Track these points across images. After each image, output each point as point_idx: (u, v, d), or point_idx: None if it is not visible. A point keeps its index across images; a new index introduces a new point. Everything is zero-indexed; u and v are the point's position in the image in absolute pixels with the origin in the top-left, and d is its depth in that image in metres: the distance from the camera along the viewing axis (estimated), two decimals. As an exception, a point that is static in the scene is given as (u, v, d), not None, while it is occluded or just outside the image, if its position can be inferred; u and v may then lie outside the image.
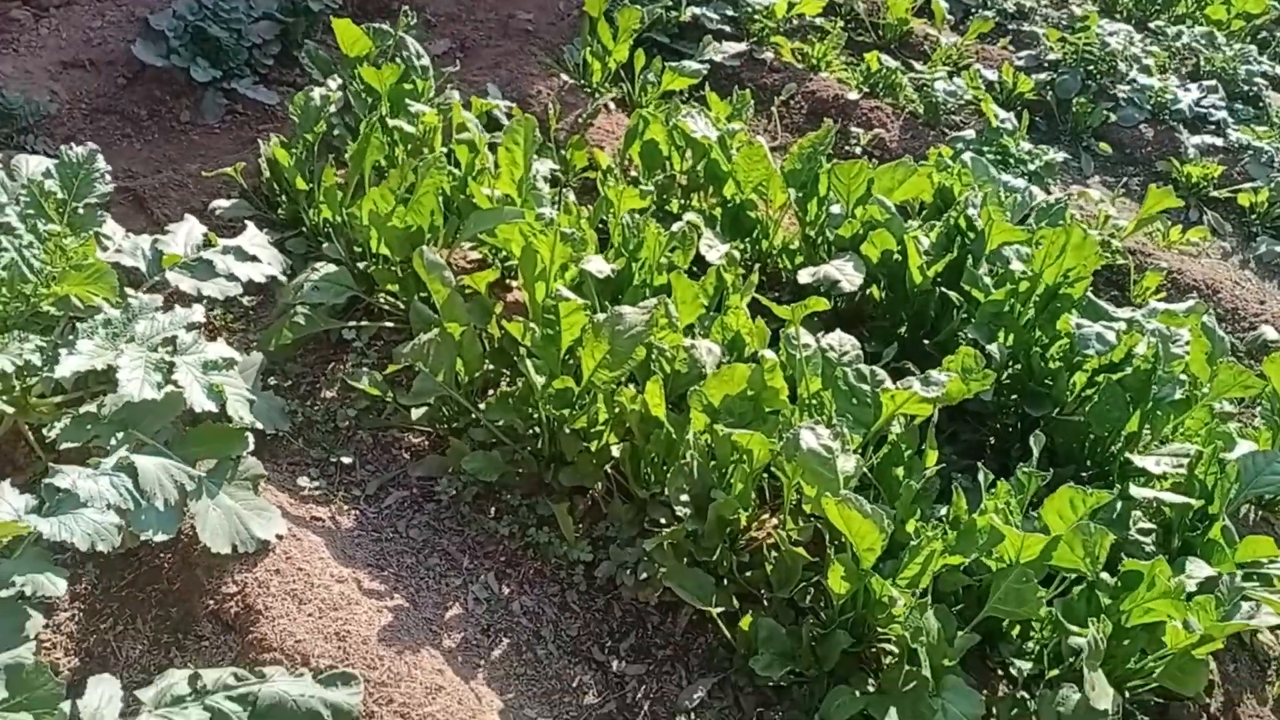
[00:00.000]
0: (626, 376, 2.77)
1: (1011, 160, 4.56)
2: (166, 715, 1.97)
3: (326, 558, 2.61)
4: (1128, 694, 2.56)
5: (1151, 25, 6.28)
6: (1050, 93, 5.42)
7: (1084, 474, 3.06)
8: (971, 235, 3.34)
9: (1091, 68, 5.50)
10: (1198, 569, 2.61)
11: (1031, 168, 4.49)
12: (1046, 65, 5.62)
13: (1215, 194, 4.96)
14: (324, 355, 3.28)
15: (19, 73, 3.88)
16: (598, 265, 2.96)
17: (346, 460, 2.99)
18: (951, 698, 2.24)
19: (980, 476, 2.60)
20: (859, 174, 3.46)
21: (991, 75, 5.39)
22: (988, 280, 3.15)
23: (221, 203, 3.49)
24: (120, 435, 2.40)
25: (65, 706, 2.03)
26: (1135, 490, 2.74)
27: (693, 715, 2.55)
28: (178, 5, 4.24)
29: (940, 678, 2.29)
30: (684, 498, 2.51)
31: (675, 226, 3.19)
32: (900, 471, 2.68)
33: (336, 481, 2.95)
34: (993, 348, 2.97)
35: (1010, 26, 6.21)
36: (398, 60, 3.50)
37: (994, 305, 3.05)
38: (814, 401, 2.86)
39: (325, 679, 2.26)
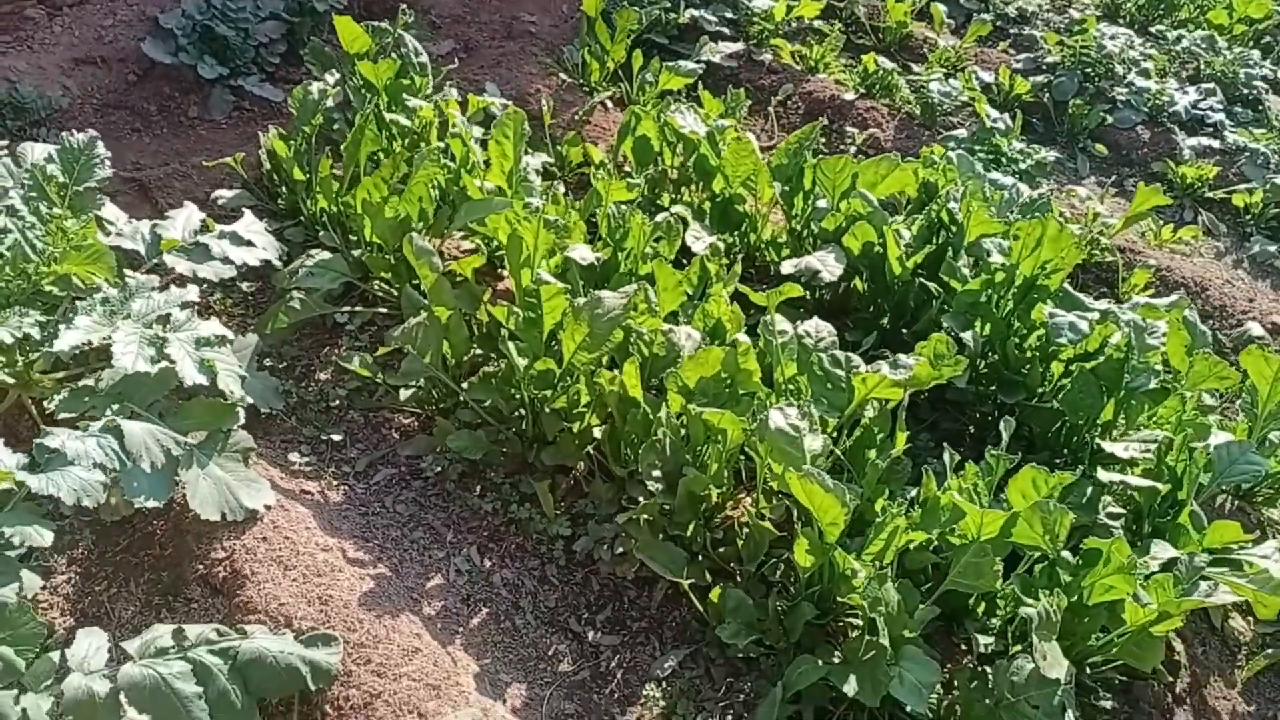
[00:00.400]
0: (606, 359, 2.86)
1: (1004, 159, 4.62)
2: (150, 665, 2.06)
3: (313, 528, 2.71)
4: (1089, 670, 2.62)
5: (1152, 30, 6.32)
6: (1047, 95, 5.48)
7: (1059, 460, 3.12)
8: (954, 228, 3.41)
9: (1089, 70, 5.55)
10: (1162, 550, 2.66)
11: (1023, 166, 4.55)
12: (1045, 68, 5.68)
13: (1210, 195, 4.99)
14: (320, 339, 3.39)
15: (32, 68, 4.02)
16: (581, 253, 3.05)
17: (337, 438, 3.09)
18: (909, 666, 2.30)
19: (946, 457, 2.66)
20: (844, 168, 3.54)
21: (988, 77, 5.46)
22: (966, 271, 3.21)
23: (223, 193, 3.61)
24: (116, 407, 2.51)
25: (55, 656, 2.14)
26: (1102, 474, 2.79)
27: (664, 684, 2.63)
28: (187, 5, 4.38)
29: (899, 648, 2.35)
30: (656, 474, 2.59)
31: (660, 217, 3.28)
32: (872, 454, 2.75)
33: (327, 458, 3.05)
34: (967, 336, 3.04)
35: (1012, 31, 6.28)
36: (393, 56, 3.60)
37: (970, 295, 3.12)
38: (790, 386, 2.94)
39: (307, 639, 2.35)
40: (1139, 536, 2.88)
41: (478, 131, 3.70)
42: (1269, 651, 2.98)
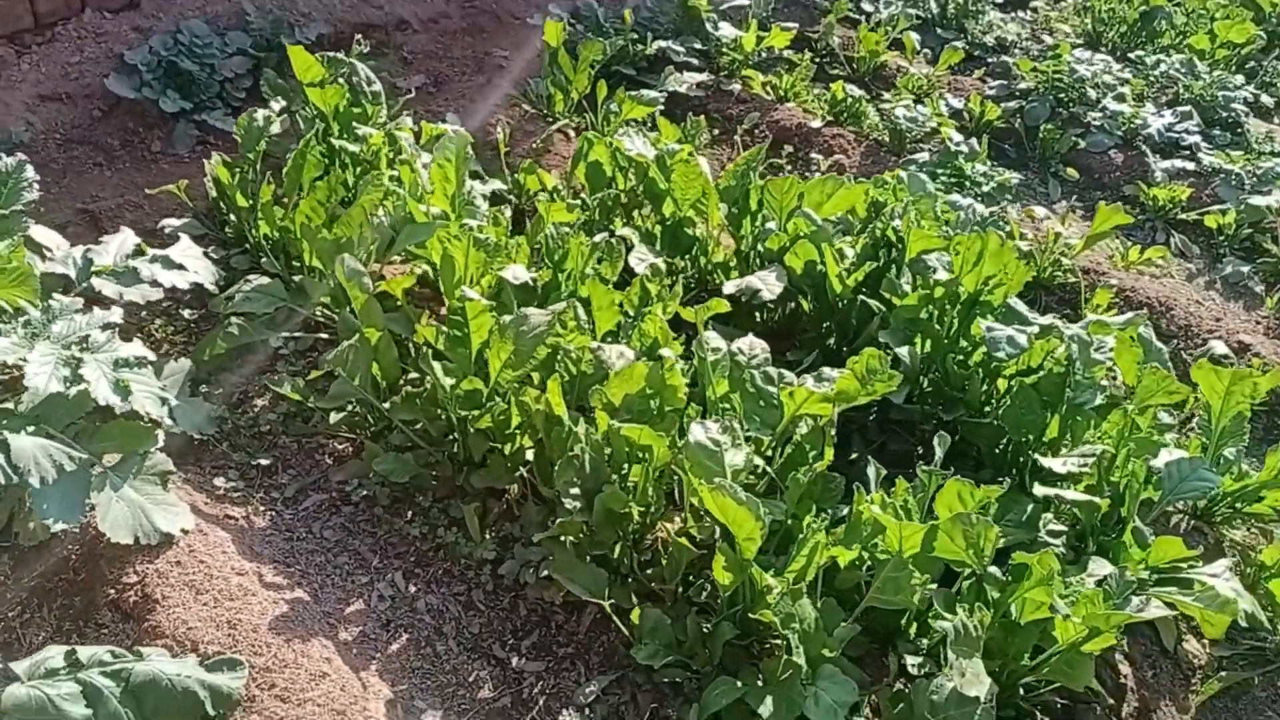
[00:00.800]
0: (538, 378, 2.82)
1: (967, 182, 4.59)
2: (37, 687, 2.02)
3: (230, 553, 2.67)
4: (1023, 690, 2.52)
5: (1131, 56, 6.30)
6: (1019, 120, 5.46)
7: (1002, 479, 3.04)
8: (899, 245, 3.37)
9: (1062, 95, 5.53)
10: (1099, 567, 2.59)
11: (986, 189, 4.51)
12: (1018, 94, 5.66)
13: (1183, 216, 4.93)
14: (260, 365, 3.37)
15: (-4, 104, 4.09)
16: (514, 272, 3.03)
17: (267, 463, 3.06)
18: (826, 686, 2.22)
19: (870, 471, 2.60)
20: (790, 189, 3.52)
21: (958, 103, 5.44)
22: (907, 287, 3.17)
23: (171, 221, 3.63)
24: (31, 429, 2.49)
25: (-59, 679, 2.10)
26: (1038, 489, 2.72)
27: (586, 710, 2.55)
28: (153, 41, 4.45)
29: (817, 667, 2.27)
30: (575, 491, 2.54)
31: (599, 237, 3.26)
32: (803, 472, 2.69)
33: (256, 484, 3.02)
34: (903, 351, 2.98)
35: (990, 60, 6.27)
36: (341, 83, 3.62)
37: (908, 311, 3.07)
38: (724, 405, 2.89)
39: (210, 664, 2.30)
40: (1081, 555, 2.79)
41: (429, 159, 3.70)
42: (1223, 675, 2.88)
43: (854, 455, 3.20)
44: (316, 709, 2.30)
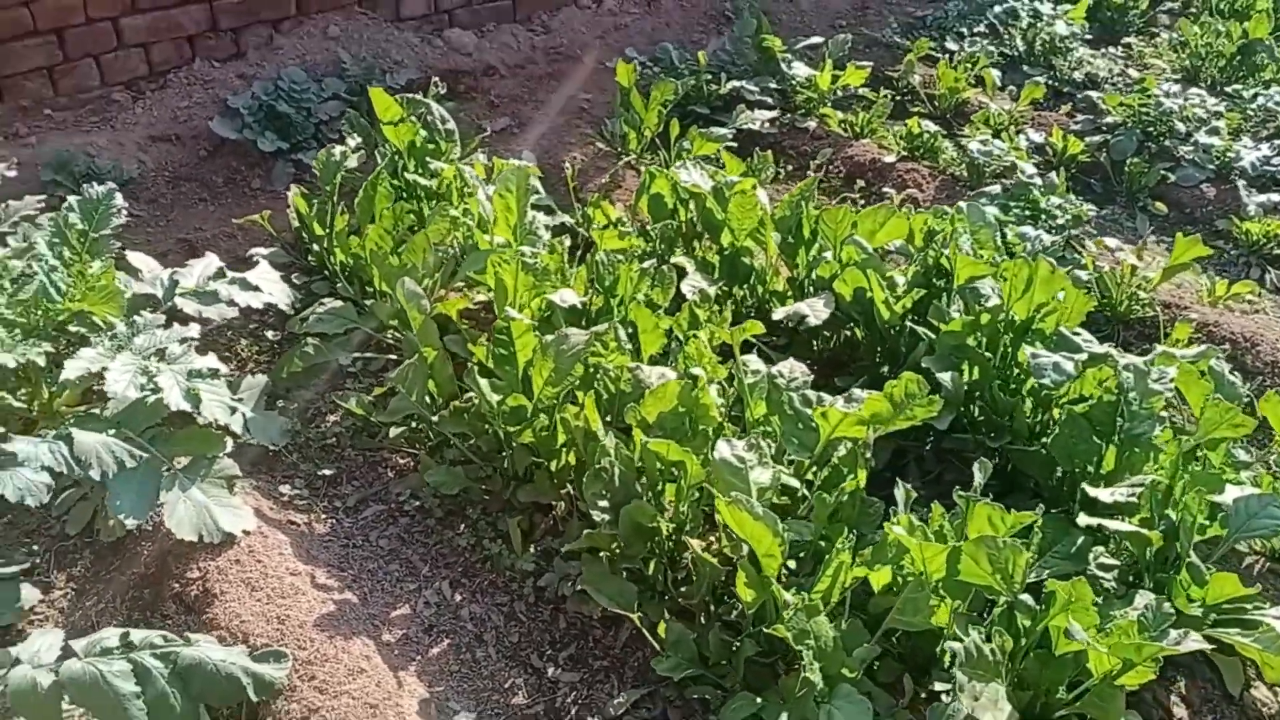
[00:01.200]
0: (578, 396, 2.92)
1: (1042, 215, 4.52)
2: (92, 663, 2.19)
3: (287, 554, 2.82)
4: (1058, 725, 2.45)
5: (1228, 90, 6.10)
6: (1105, 154, 5.34)
7: (1055, 511, 2.97)
8: (951, 274, 3.36)
9: (1150, 128, 5.40)
10: (1143, 600, 2.50)
11: (1059, 221, 4.43)
12: (1104, 128, 5.55)
13: (1278, 252, 4.73)
14: (332, 383, 3.57)
15: (112, 145, 4.46)
16: (563, 296, 3.15)
17: (332, 474, 3.23)
18: (840, 705, 2.21)
19: (898, 493, 2.59)
20: (843, 218, 3.55)
21: (1039, 138, 5.37)
22: (955, 314, 3.15)
23: (260, 250, 3.89)
24: (112, 432, 2.72)
25: (14, 651, 2.29)
26: (1082, 518, 2.65)
27: (615, 722, 2.60)
28: (255, 87, 4.80)
29: (834, 686, 2.27)
30: (602, 504, 2.61)
31: (646, 264, 3.35)
32: (831, 493, 2.70)
33: (321, 493, 3.19)
34: (945, 377, 2.96)
35: (1078, 96, 6.16)
36: (413, 121, 3.84)
37: (953, 337, 3.05)
38: (766, 428, 2.93)
39: (259, 655, 2.45)
40: (1134, 590, 2.70)
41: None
42: (1291, 724, 2.72)
43: (909, 484, 3.18)
44: (351, 701, 2.41)
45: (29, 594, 2.74)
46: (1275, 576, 3.10)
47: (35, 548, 2.90)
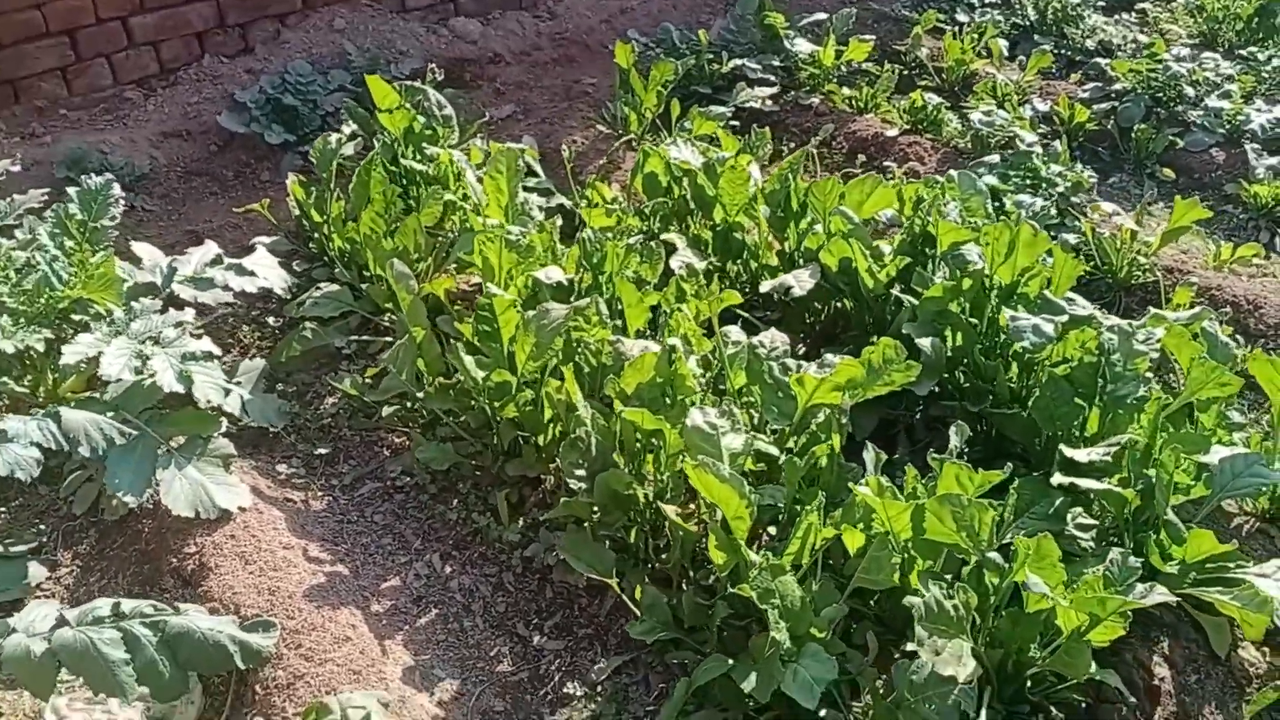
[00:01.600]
0: (553, 368, 2.97)
1: (1043, 183, 4.48)
2: (84, 631, 2.28)
3: (281, 529, 2.91)
4: (1032, 683, 2.46)
5: (1242, 53, 5.99)
6: (1112, 122, 5.27)
7: (1039, 474, 2.97)
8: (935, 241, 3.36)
9: (1158, 94, 5.32)
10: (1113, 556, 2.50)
11: (1060, 189, 4.40)
12: (1112, 95, 5.48)
13: (1290, 214, 4.66)
14: (332, 367, 3.65)
15: (125, 142, 4.59)
16: (548, 273, 3.20)
17: (328, 453, 3.32)
18: (807, 663, 2.24)
19: (867, 455, 2.61)
20: (831, 190, 3.55)
21: (1044, 107, 5.31)
22: (937, 281, 3.15)
23: (263, 239, 3.98)
24: (111, 414, 2.82)
25: (11, 621, 2.40)
26: (1056, 478, 2.65)
27: (599, 687, 2.65)
28: (262, 81, 4.90)
29: (803, 645, 2.30)
30: (579, 472, 2.66)
31: (633, 239, 3.39)
32: (802, 458, 2.72)
33: (318, 472, 3.28)
34: (924, 343, 2.96)
35: (1089, 63, 6.08)
36: (407, 108, 3.91)
37: (934, 303, 3.06)
38: (746, 398, 2.96)
39: (248, 625, 2.53)
40: (1112, 549, 2.70)
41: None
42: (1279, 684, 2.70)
43: (897, 454, 3.19)
44: (336, 668, 2.49)
45: (36, 571, 2.85)
46: (1264, 537, 3.07)
47: (43, 527, 3.02)
